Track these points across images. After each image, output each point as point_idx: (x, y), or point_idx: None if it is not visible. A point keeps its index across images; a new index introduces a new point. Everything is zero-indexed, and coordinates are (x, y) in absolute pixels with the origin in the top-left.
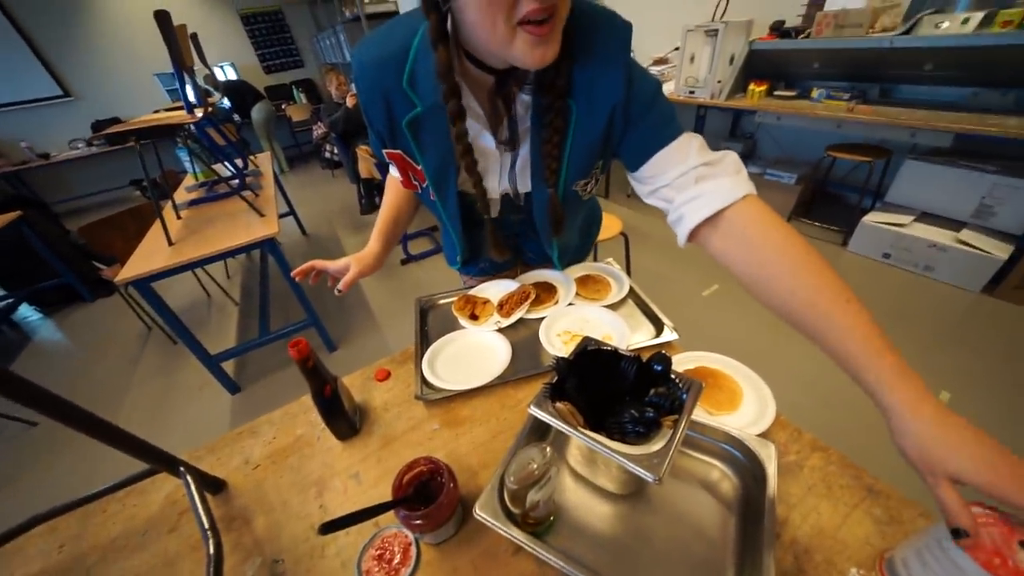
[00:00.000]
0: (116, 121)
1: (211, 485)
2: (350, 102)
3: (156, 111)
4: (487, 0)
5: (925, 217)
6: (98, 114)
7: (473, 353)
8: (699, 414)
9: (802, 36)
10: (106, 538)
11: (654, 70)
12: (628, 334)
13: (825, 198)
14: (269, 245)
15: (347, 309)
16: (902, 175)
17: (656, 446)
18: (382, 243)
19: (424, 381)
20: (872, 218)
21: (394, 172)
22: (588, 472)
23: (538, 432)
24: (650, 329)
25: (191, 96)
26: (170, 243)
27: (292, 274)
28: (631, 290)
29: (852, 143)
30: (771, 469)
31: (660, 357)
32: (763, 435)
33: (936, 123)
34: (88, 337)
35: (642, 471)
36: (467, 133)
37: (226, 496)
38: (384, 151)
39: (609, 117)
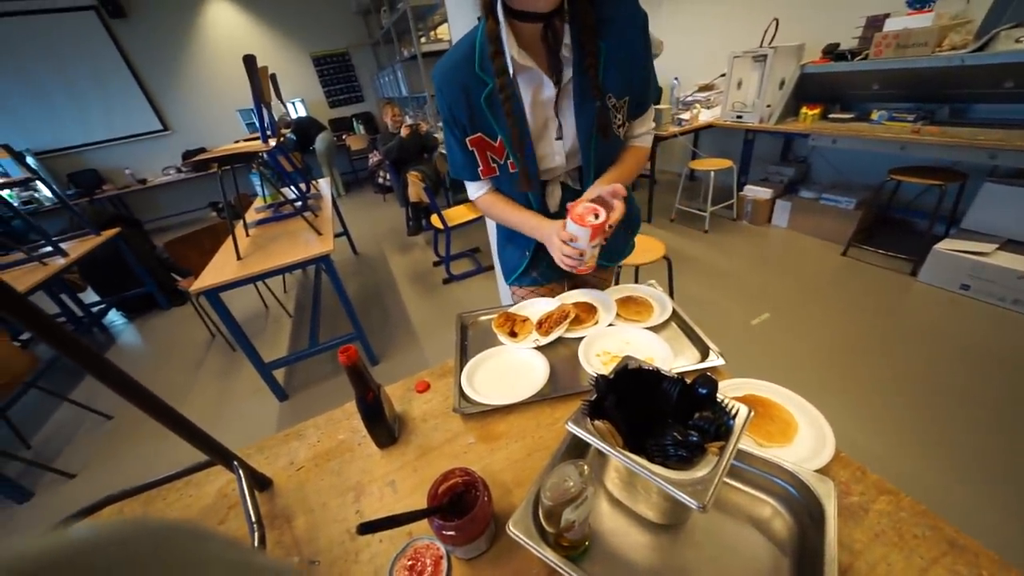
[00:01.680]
0: (202, 151)
1: (259, 482)
2: (404, 132)
3: (236, 141)
4: None
5: (1011, 244)
6: (188, 144)
7: (511, 370)
8: (748, 444)
9: (859, 58)
10: None
11: (699, 96)
12: (671, 357)
13: (889, 224)
14: (324, 261)
15: (390, 325)
16: (981, 199)
17: (700, 472)
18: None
19: (462, 395)
20: (947, 246)
21: (477, 189)
22: (627, 497)
23: (575, 451)
24: (694, 353)
25: (267, 128)
26: (238, 257)
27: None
28: (674, 312)
29: (919, 166)
30: (831, 509)
31: (705, 379)
32: (820, 472)
33: (1022, 143)
34: (161, 341)
35: (685, 497)
36: (514, 78)
37: (271, 494)
38: (468, 140)
39: (638, 45)
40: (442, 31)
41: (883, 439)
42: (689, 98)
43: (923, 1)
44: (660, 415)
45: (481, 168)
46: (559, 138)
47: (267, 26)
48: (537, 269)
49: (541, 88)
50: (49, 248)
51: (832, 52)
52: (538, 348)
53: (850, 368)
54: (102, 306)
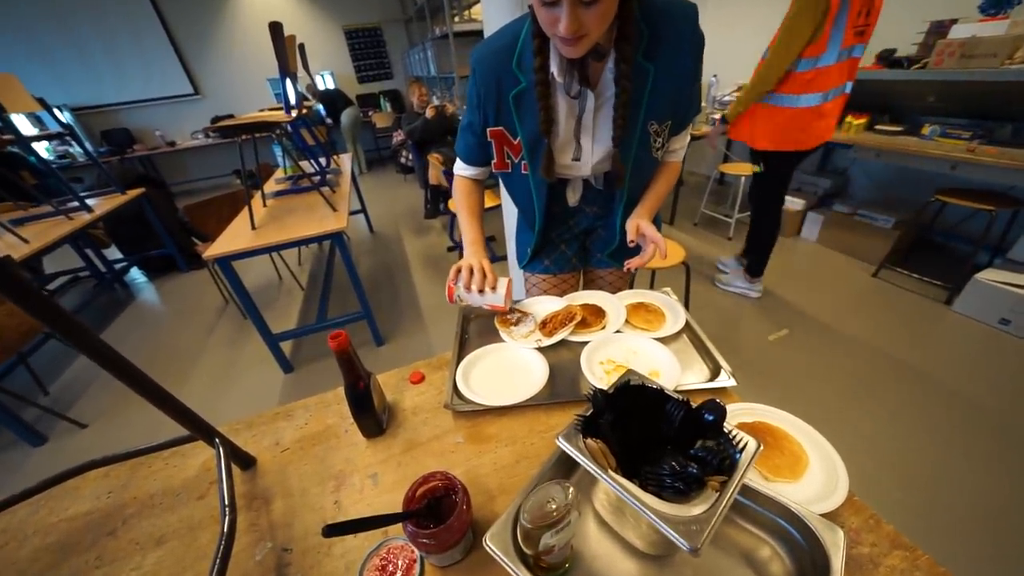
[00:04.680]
0: (230, 117)
1: (242, 460)
2: (429, 113)
3: (261, 110)
4: (541, 20)
5: None
6: (218, 110)
7: (509, 369)
8: (752, 477)
9: (916, 67)
10: (146, 493)
11: (735, 97)
12: (679, 373)
13: (928, 247)
14: (337, 239)
15: (399, 307)
16: None
17: (697, 509)
18: (485, 252)
19: (456, 391)
20: (989, 276)
21: (464, 169)
22: (614, 521)
23: (564, 466)
24: (704, 370)
25: (291, 98)
26: (253, 227)
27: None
28: (687, 324)
29: (970, 188)
30: (837, 562)
31: (713, 405)
32: (829, 516)
33: None
34: (178, 303)
35: (677, 536)
36: (551, 84)
37: (253, 473)
38: (488, 130)
39: (688, 71)
40: (476, 11)
41: (901, 482)
42: (727, 97)
43: (999, 6)
44: (660, 439)
45: (495, 161)
46: (576, 159)
47: None
48: (549, 256)
49: (571, 108)
50: (76, 203)
51: (887, 58)
52: (539, 349)
53: (871, 399)
54: (125, 263)
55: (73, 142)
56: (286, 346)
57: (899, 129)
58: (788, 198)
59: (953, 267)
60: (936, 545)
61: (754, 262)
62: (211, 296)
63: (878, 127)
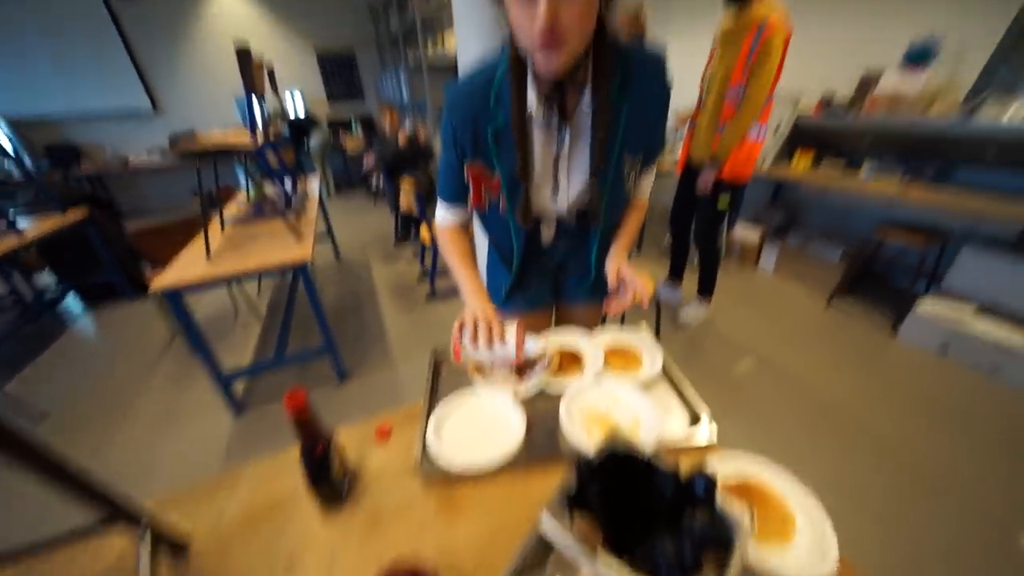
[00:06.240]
0: (192, 134)
1: (173, 546)
2: (402, 139)
3: (225, 129)
4: (516, 26)
5: (988, 311)
6: (176, 126)
7: (484, 421)
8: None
9: (853, 109)
10: None
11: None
12: (661, 423)
13: (871, 279)
14: (301, 270)
15: (366, 339)
16: (962, 263)
17: None
18: (488, 300)
19: (425, 452)
20: (927, 307)
21: (446, 214)
22: None
23: (546, 545)
24: (684, 416)
25: (258, 122)
26: (208, 256)
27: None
28: (664, 366)
29: (905, 223)
30: None
31: (703, 479)
32: None
33: (1006, 212)
34: (118, 337)
35: None
36: (528, 122)
37: (186, 561)
38: (466, 165)
39: (656, 110)
40: (450, 43)
41: (873, 521)
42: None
43: (919, 59)
44: (649, 511)
45: (471, 197)
46: (554, 194)
47: (273, 13)
48: (523, 294)
49: (549, 142)
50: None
51: (828, 104)
52: (515, 397)
53: (836, 430)
54: (59, 291)
55: (3, 157)
56: (239, 384)
57: (842, 164)
58: (746, 226)
59: (894, 297)
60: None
61: (708, 286)
62: (157, 327)
63: (824, 161)
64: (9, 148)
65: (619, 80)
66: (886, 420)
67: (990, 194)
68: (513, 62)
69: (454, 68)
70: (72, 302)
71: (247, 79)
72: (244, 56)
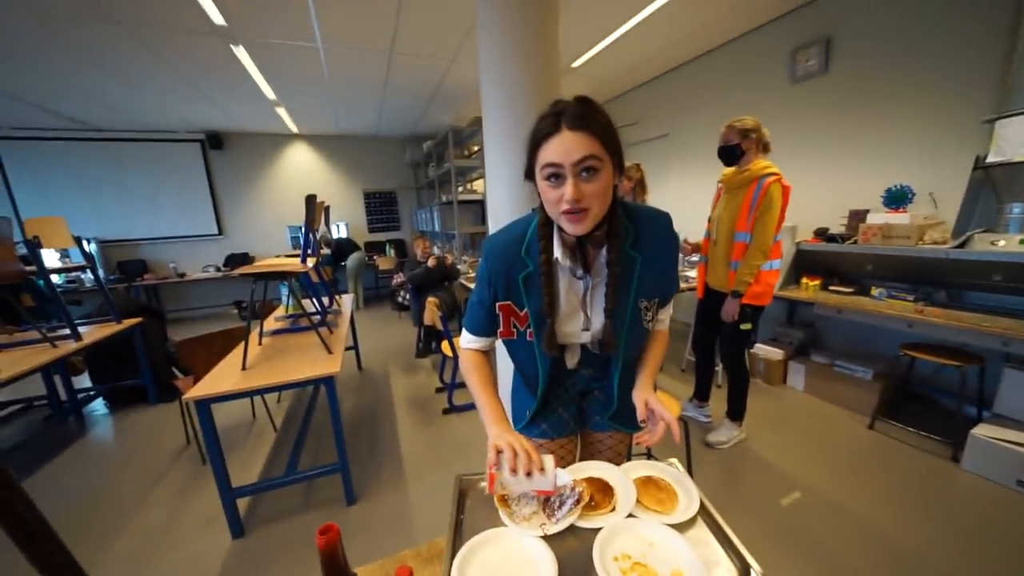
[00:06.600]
0: (245, 256)
1: None
2: (431, 262)
3: (277, 255)
4: (548, 200)
5: None
6: (234, 248)
7: (512, 565)
8: None
9: (848, 242)
10: None
11: (693, 259)
12: (703, 574)
13: (913, 399)
14: (327, 382)
15: (379, 456)
16: (1009, 385)
17: None
18: (508, 423)
19: None
20: (984, 432)
21: (470, 343)
22: None
23: None
24: (729, 566)
25: (309, 251)
26: (244, 367)
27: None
28: (702, 505)
29: (932, 344)
30: None
31: None
32: None
33: None
34: (133, 442)
35: None
36: (554, 269)
37: None
38: (497, 303)
39: (667, 259)
40: (478, 184)
41: None
42: (695, 258)
43: (898, 202)
44: None
45: (501, 330)
46: (586, 329)
47: (331, 162)
48: (547, 420)
49: (574, 282)
50: (67, 331)
51: (823, 235)
52: (545, 536)
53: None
54: (90, 393)
55: (89, 272)
56: (242, 502)
57: (850, 291)
58: (765, 348)
59: (943, 420)
60: None
61: (738, 407)
62: (173, 433)
63: (831, 287)
64: (95, 265)
65: (632, 236)
66: (973, 572)
67: (1012, 316)
68: (541, 224)
69: (481, 203)
70: (98, 405)
71: (310, 217)
72: (311, 200)
